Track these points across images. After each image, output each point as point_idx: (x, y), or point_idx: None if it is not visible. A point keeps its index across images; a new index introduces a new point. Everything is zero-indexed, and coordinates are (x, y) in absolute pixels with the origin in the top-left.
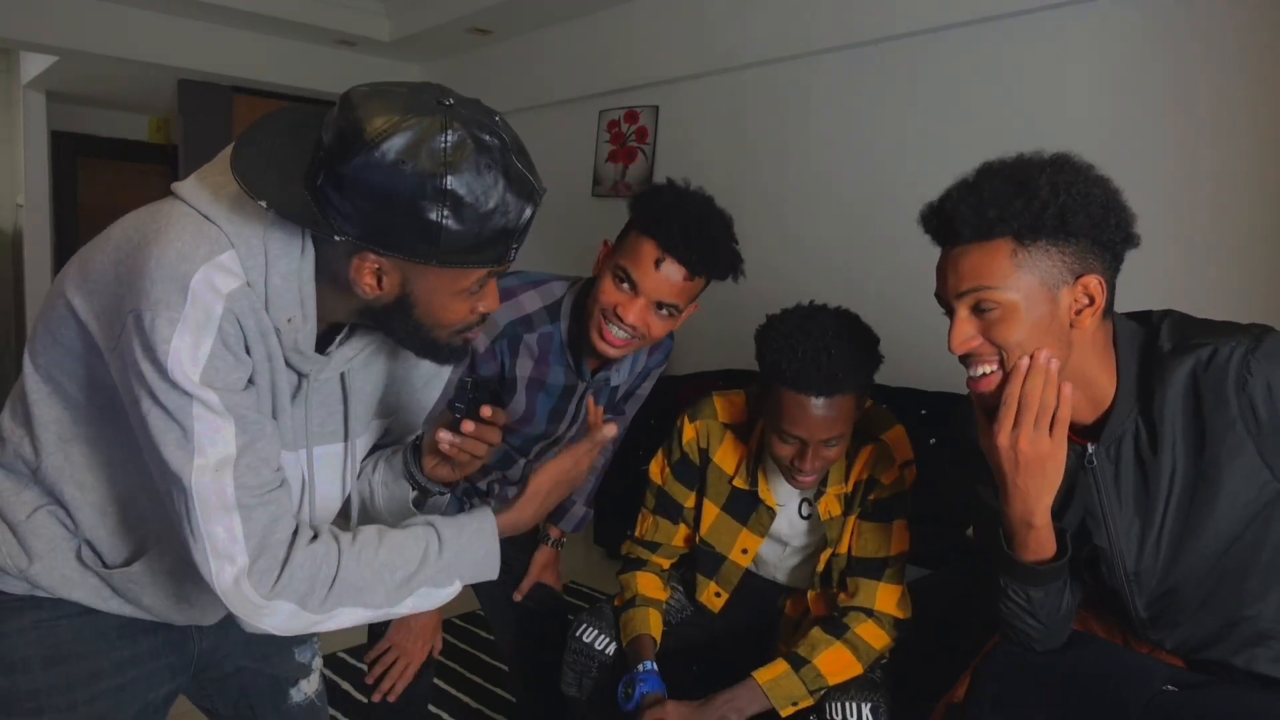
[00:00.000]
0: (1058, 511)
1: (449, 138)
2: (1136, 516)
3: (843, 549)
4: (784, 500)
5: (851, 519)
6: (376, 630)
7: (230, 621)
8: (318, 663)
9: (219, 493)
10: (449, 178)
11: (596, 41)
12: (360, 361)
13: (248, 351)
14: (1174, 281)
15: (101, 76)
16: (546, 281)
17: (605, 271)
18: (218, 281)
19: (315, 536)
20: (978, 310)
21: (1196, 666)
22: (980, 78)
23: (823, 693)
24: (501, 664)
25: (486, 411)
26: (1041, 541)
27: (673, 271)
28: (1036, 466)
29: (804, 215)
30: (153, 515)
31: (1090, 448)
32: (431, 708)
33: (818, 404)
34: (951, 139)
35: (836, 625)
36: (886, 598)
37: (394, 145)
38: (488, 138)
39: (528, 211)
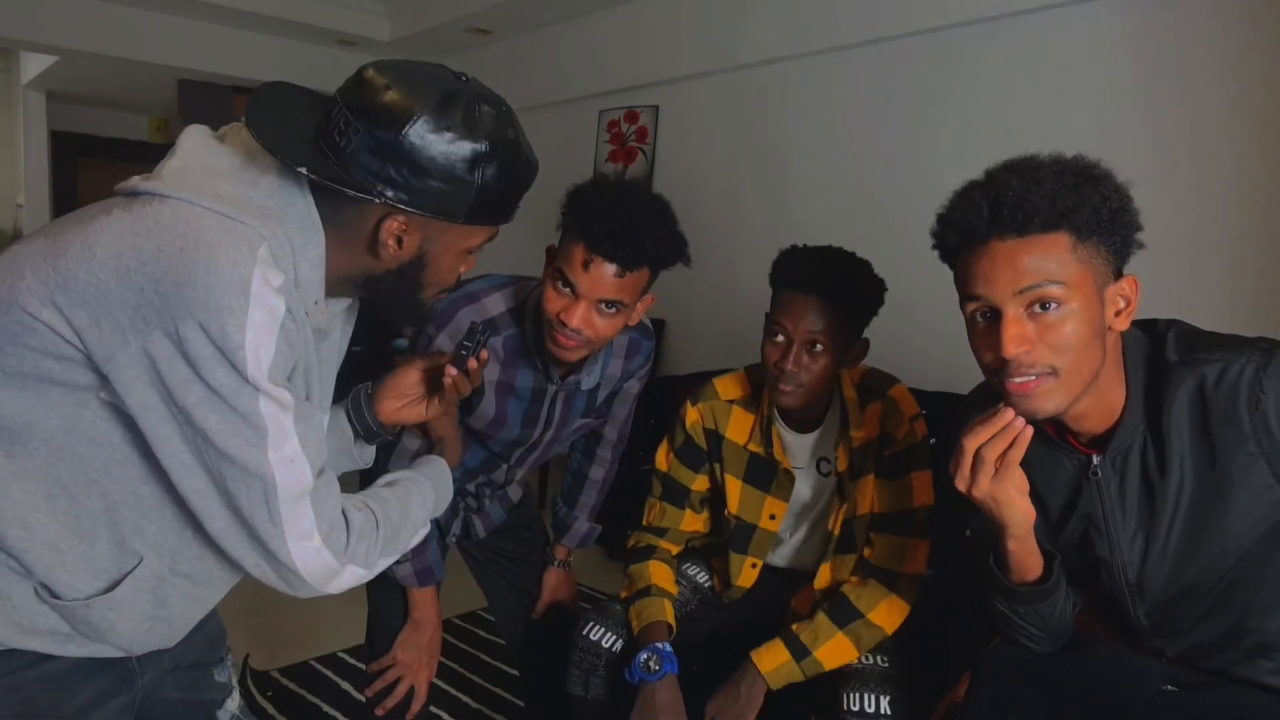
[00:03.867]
0: (1059, 520)
1: (481, 110)
2: (1140, 528)
3: (863, 509)
4: (801, 462)
5: (869, 478)
6: (374, 632)
7: (166, 652)
8: (234, 679)
9: (299, 480)
10: (486, 145)
11: (596, 41)
12: (324, 335)
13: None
14: (1166, 286)
15: (101, 76)
16: (509, 284)
17: (546, 277)
18: (271, 279)
19: (347, 508)
20: (1034, 309)
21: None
22: (985, 77)
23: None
24: (502, 664)
25: (485, 355)
26: (1022, 564)
27: (604, 270)
28: (993, 506)
29: (804, 215)
30: (151, 523)
31: (1095, 459)
32: (431, 708)
33: (804, 299)
34: (952, 139)
35: (844, 610)
36: (915, 555)
37: (434, 120)
38: (504, 109)
39: (533, 175)
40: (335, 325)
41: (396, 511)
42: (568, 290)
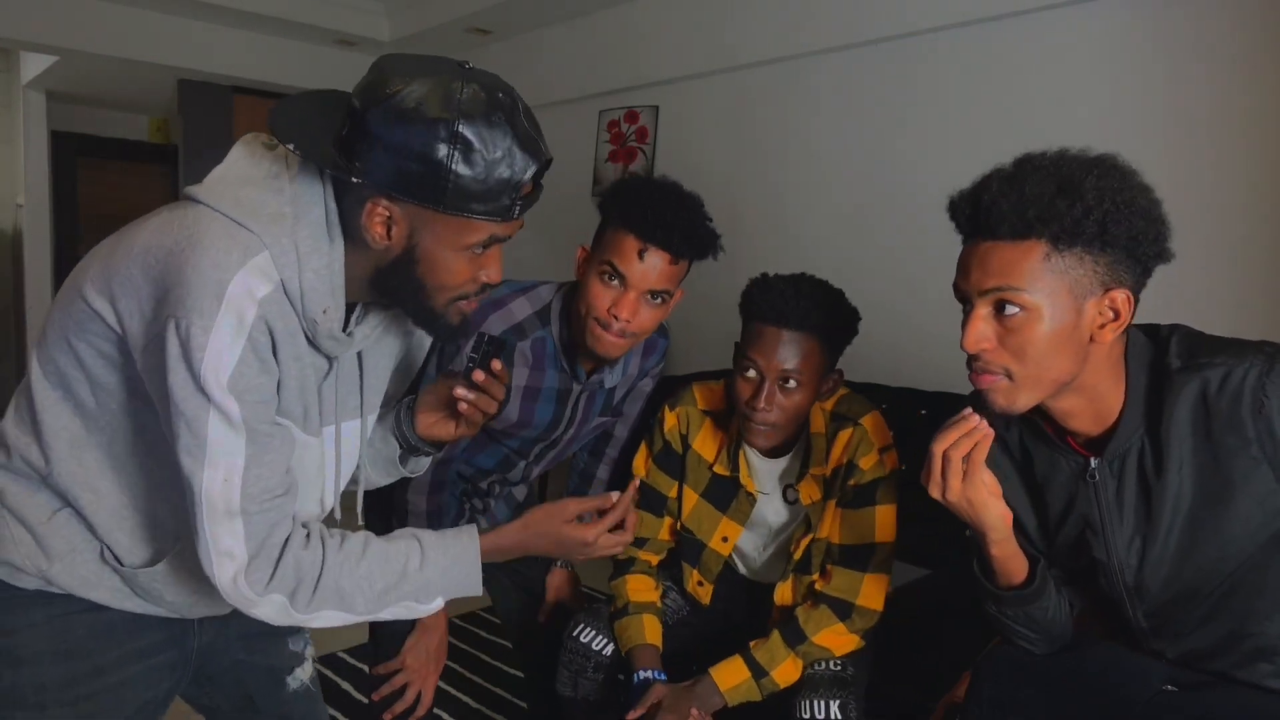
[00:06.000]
0: (1057, 522)
1: (464, 90)
2: (1137, 532)
3: (822, 534)
4: (767, 487)
5: (831, 505)
6: (380, 635)
7: (230, 616)
8: (310, 650)
9: (226, 500)
10: (460, 123)
11: (596, 41)
12: (374, 339)
13: (275, 355)
14: (1169, 289)
15: (101, 76)
16: (534, 287)
17: (591, 273)
18: (254, 287)
19: (308, 538)
20: (999, 311)
21: None
22: (982, 78)
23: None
24: (502, 664)
25: (496, 365)
26: (1006, 568)
27: (657, 259)
28: (968, 509)
29: (804, 216)
30: (173, 517)
31: (1093, 461)
32: (434, 709)
33: (778, 333)
34: (953, 140)
35: (795, 632)
36: (871, 590)
37: (412, 93)
38: (501, 95)
39: (533, 167)
40: (389, 331)
41: (352, 568)
42: (617, 283)
